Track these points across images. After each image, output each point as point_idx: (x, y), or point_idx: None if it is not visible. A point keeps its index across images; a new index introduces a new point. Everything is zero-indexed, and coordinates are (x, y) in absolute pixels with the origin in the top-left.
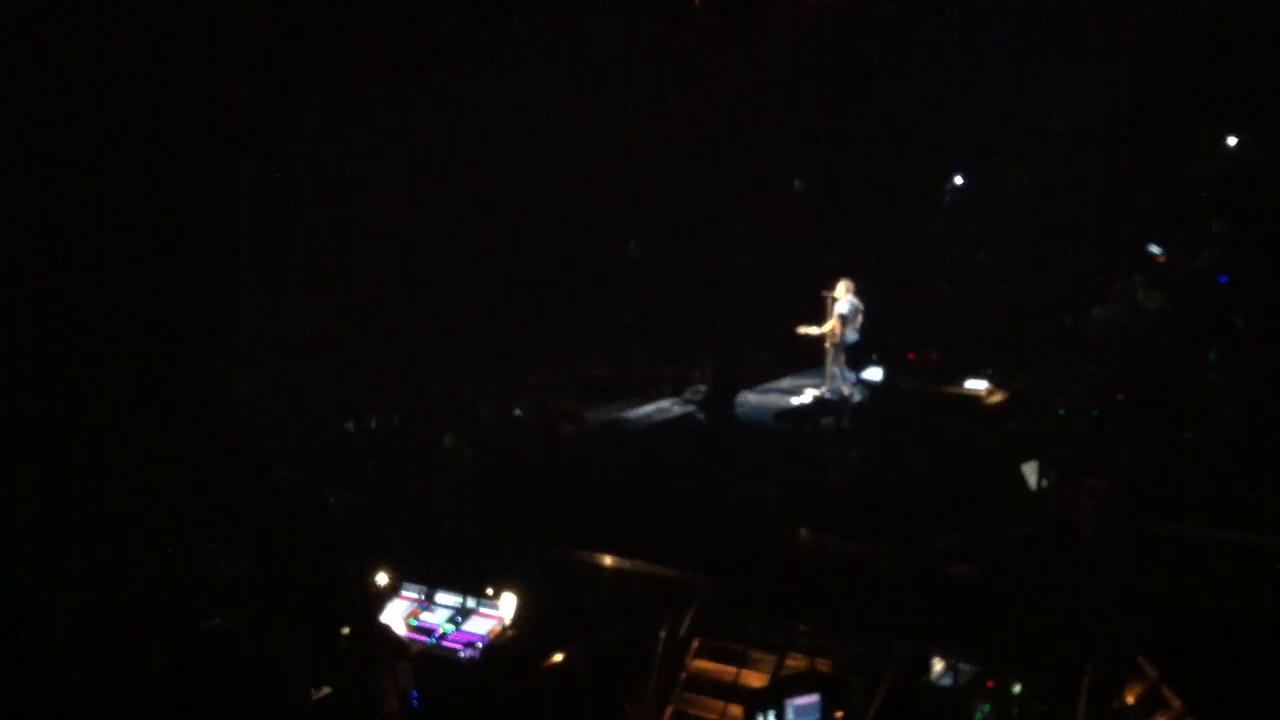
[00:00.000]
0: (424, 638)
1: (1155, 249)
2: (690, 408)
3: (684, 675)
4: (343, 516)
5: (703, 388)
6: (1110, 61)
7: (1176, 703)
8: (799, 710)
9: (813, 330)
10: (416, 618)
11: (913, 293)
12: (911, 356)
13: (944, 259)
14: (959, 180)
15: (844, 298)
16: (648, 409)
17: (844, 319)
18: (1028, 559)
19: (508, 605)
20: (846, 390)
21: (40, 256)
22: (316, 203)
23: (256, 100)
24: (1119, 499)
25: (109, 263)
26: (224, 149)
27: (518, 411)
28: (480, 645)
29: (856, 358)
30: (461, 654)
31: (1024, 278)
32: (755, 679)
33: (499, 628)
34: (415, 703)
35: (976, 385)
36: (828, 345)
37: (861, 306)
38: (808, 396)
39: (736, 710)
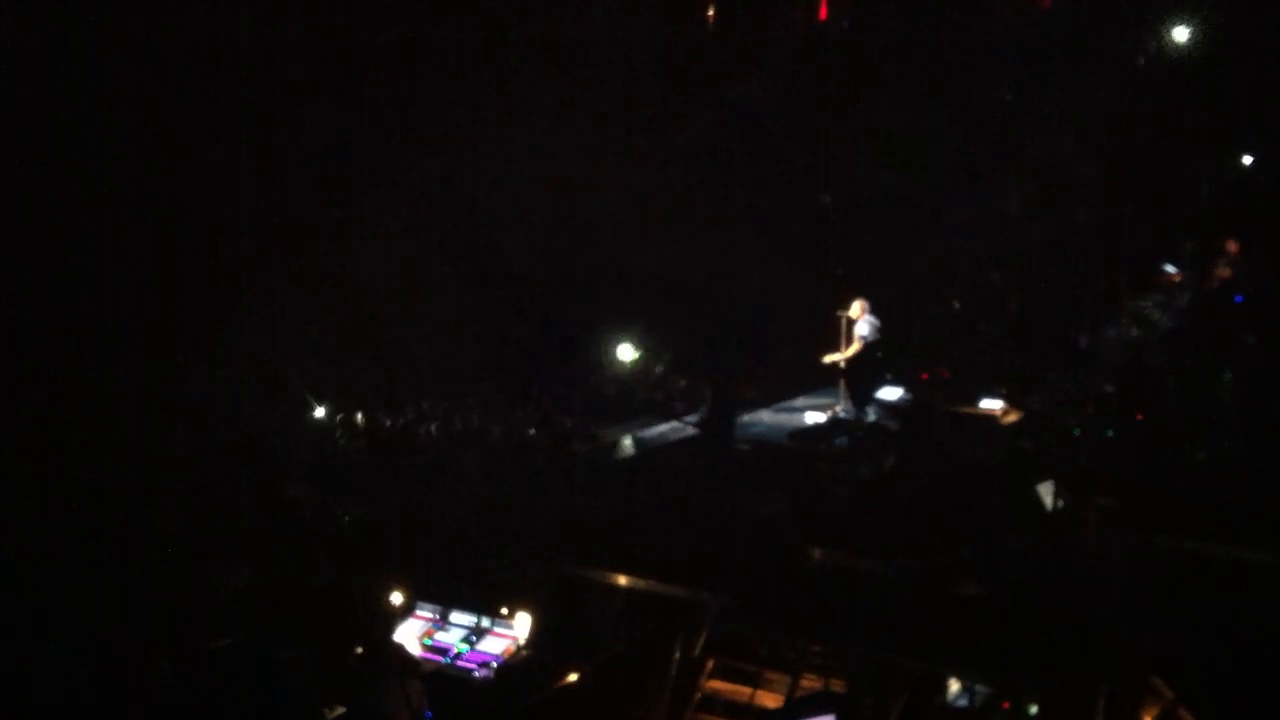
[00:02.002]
0: (438, 657)
1: (1170, 268)
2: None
3: (697, 696)
4: (352, 532)
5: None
6: (1122, 76)
7: None
8: None
9: (838, 357)
10: (431, 637)
11: (925, 309)
12: (925, 376)
13: (956, 276)
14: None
15: (862, 318)
16: (662, 427)
17: (865, 340)
18: (1041, 577)
19: (522, 625)
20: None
21: (42, 262)
22: (326, 213)
23: (261, 107)
24: (1133, 517)
25: (113, 271)
26: (232, 155)
27: (532, 431)
28: (494, 665)
29: (872, 377)
30: (476, 674)
31: (1036, 296)
32: (769, 699)
33: (513, 647)
34: (429, 716)
35: (992, 404)
36: (842, 365)
37: (880, 325)
38: (823, 415)
39: None
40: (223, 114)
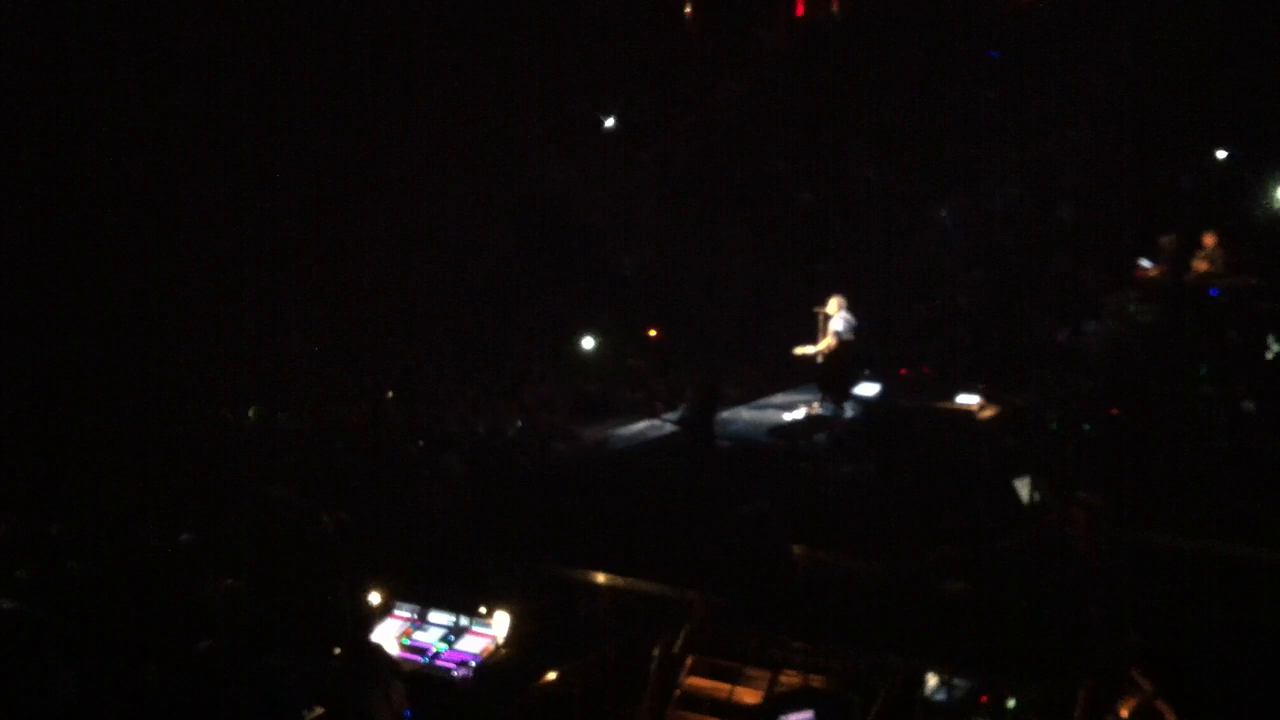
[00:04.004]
0: (417, 657)
1: (1146, 263)
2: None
3: (678, 693)
4: (336, 535)
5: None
6: (1102, 76)
7: (1172, 717)
8: None
9: (809, 350)
10: (409, 637)
11: (905, 307)
12: (904, 372)
13: (937, 273)
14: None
15: (838, 314)
16: (641, 425)
17: (839, 336)
18: (1021, 572)
19: (501, 624)
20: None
21: (40, 271)
22: (321, 216)
23: (259, 113)
24: (1111, 513)
25: (109, 281)
26: (231, 158)
27: (519, 423)
28: (473, 664)
29: (851, 373)
30: (455, 673)
31: (1017, 292)
32: (750, 696)
33: (492, 647)
34: (409, 715)
35: (969, 400)
36: (820, 361)
37: (855, 322)
38: (801, 412)
39: None
40: (221, 114)
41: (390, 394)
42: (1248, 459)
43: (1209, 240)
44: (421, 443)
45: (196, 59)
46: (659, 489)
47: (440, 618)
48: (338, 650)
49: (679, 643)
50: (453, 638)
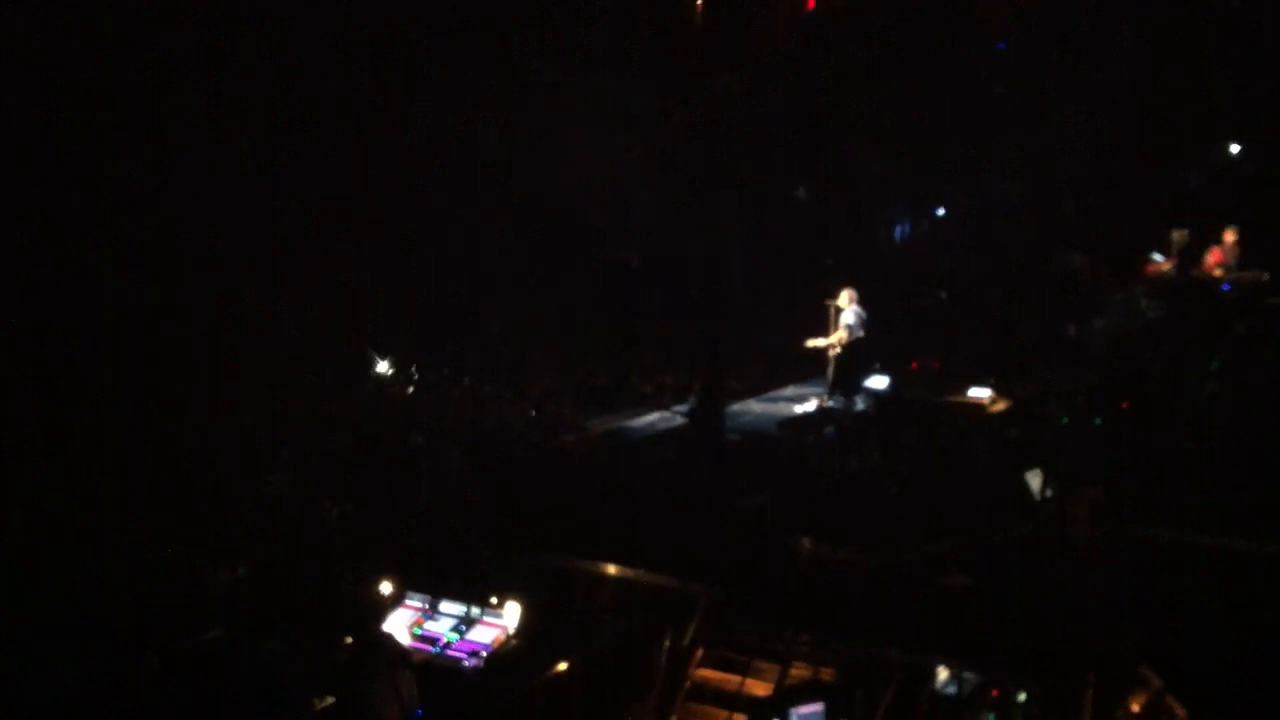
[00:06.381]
0: (428, 647)
1: (1157, 256)
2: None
3: (687, 684)
4: (341, 525)
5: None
6: (1109, 69)
7: (1180, 711)
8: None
9: (820, 342)
10: (420, 627)
11: (912, 301)
12: (914, 365)
13: (943, 268)
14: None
15: (849, 307)
16: (650, 417)
17: (850, 329)
18: (1029, 567)
19: (512, 614)
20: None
21: (38, 266)
22: (311, 207)
23: (255, 104)
24: (1117, 507)
25: (106, 274)
26: (225, 151)
27: (533, 412)
28: (484, 655)
29: (861, 366)
30: (465, 663)
31: (1026, 286)
32: (759, 688)
33: (503, 637)
34: (419, 714)
35: (979, 394)
36: (831, 354)
37: (865, 315)
38: (811, 405)
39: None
40: (221, 116)
41: (413, 379)
42: (1253, 455)
43: (1229, 236)
44: (420, 439)
45: (196, 58)
46: (666, 481)
47: (451, 608)
48: (347, 640)
49: (688, 635)
50: (464, 628)
